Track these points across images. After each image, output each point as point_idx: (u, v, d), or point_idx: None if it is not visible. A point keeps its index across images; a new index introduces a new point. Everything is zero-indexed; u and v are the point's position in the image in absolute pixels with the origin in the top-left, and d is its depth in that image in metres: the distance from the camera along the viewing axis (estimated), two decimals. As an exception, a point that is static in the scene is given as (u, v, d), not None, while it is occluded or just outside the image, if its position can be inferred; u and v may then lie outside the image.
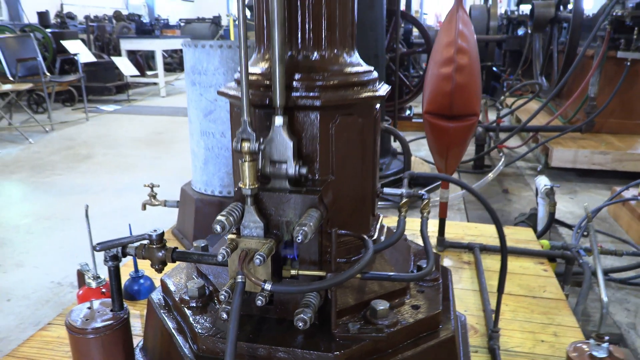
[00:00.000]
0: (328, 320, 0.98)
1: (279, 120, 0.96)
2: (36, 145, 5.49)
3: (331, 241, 0.95)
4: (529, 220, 2.74)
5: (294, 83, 1.01)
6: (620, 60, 4.06)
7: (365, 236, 1.05)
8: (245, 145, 0.93)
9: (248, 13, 3.67)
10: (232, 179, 1.59)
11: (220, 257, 0.93)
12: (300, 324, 0.90)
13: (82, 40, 9.07)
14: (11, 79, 6.48)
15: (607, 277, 2.32)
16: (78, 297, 1.51)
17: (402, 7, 6.32)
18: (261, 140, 0.95)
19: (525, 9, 6.98)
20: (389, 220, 2.08)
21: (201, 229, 2.01)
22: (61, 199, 3.75)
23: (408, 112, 6.39)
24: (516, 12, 7.55)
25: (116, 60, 8.69)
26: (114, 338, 1.09)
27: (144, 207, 2.16)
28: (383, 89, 1.13)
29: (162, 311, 1.16)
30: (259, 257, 0.90)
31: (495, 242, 1.96)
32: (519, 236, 2.19)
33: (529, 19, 5.67)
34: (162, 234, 1.08)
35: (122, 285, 1.19)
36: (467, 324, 1.44)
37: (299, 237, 0.88)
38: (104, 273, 1.27)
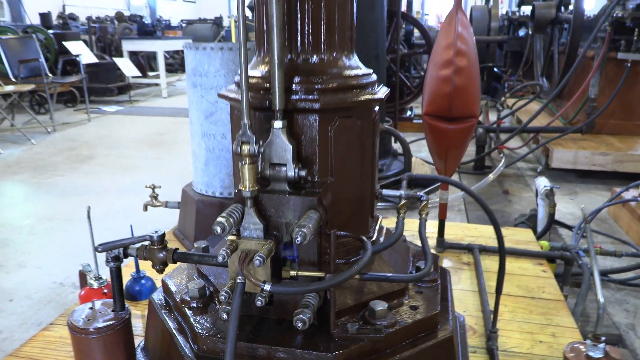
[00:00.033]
0: (327, 321, 0.99)
1: (278, 123, 0.98)
2: (38, 146, 5.52)
3: (330, 242, 0.96)
4: (529, 221, 2.75)
5: (294, 86, 1.02)
6: (620, 61, 4.07)
7: (363, 237, 1.06)
8: (245, 148, 0.94)
9: (249, 13, 3.69)
10: (233, 180, 1.60)
11: (220, 258, 0.94)
12: (299, 325, 0.91)
13: (84, 41, 9.10)
14: (13, 80, 6.51)
15: (606, 278, 2.33)
16: (80, 297, 1.52)
17: (403, 8, 6.33)
18: (261, 143, 0.97)
19: (526, 10, 6.99)
20: (390, 222, 2.09)
21: (202, 230, 2.02)
22: (63, 200, 3.77)
23: (409, 113, 6.39)
24: (517, 13, 7.55)
25: (118, 61, 8.72)
26: (115, 338, 1.10)
27: (145, 208, 2.18)
28: (382, 92, 1.15)
29: (163, 311, 1.17)
30: (258, 258, 0.91)
31: (495, 243, 1.97)
32: (519, 237, 2.19)
33: (530, 20, 5.67)
34: (163, 235, 1.10)
35: (124, 286, 1.20)
36: (465, 324, 1.45)
37: (298, 239, 0.89)
38: (105, 274, 1.28)
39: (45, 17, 9.83)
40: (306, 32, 1.04)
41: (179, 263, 1.15)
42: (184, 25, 14.84)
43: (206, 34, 12.90)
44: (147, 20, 15.04)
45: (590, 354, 1.04)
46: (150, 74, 10.77)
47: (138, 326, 1.50)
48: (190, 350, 1.03)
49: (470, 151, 4.52)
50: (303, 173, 0.99)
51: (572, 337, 1.44)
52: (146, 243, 1.10)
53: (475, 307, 1.62)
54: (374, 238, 1.20)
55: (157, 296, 1.23)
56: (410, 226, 2.20)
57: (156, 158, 5.03)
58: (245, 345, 0.97)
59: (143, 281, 1.68)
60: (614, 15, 3.91)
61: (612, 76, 4.21)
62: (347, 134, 1.06)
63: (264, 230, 1.00)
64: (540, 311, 1.59)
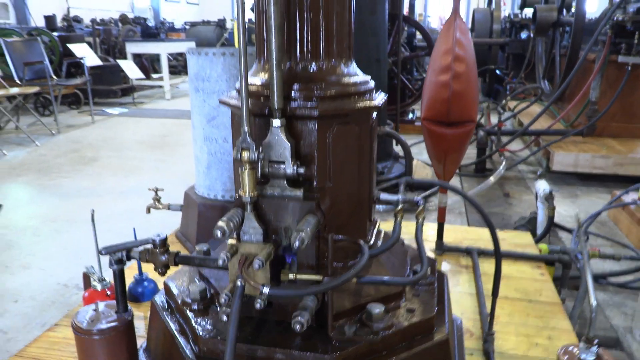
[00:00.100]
0: (325, 323, 1.02)
1: (277, 122, 1.00)
2: (43, 148, 5.56)
3: (328, 246, 0.99)
4: (529, 224, 2.76)
5: (293, 93, 1.04)
6: (621, 64, 4.08)
7: (361, 241, 1.09)
8: (245, 154, 0.97)
9: (252, 15, 3.72)
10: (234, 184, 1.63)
11: (220, 262, 0.96)
12: (298, 327, 0.94)
13: (89, 43, 9.15)
14: (18, 82, 6.56)
15: (605, 281, 2.34)
16: (84, 299, 1.55)
17: (406, 10, 6.36)
18: (260, 149, 0.99)
19: (528, 12, 7.00)
20: (391, 224, 2.11)
21: (204, 233, 2.05)
22: (67, 202, 3.81)
23: (411, 115, 6.41)
24: (519, 16, 7.56)
25: (122, 63, 8.78)
26: (118, 339, 1.13)
27: (148, 211, 2.21)
28: (379, 99, 1.17)
29: (165, 313, 1.19)
30: (258, 261, 0.94)
31: (494, 246, 1.99)
32: (518, 240, 2.21)
33: (532, 22, 5.69)
34: (165, 238, 1.12)
35: (127, 288, 1.22)
36: (462, 327, 1.47)
37: (296, 243, 0.91)
38: (109, 275, 1.31)
39: (50, 19, 9.90)
40: (305, 40, 1.07)
41: (180, 266, 1.17)
42: (187, 27, 14.90)
43: (209, 37, 12.96)
44: (151, 23, 15.11)
45: (583, 356, 1.06)
46: (154, 76, 10.83)
47: (140, 327, 1.53)
48: (191, 352, 1.05)
49: (472, 154, 4.54)
50: (302, 170, 1.01)
51: (568, 339, 1.45)
52: (149, 246, 1.13)
53: (472, 310, 1.64)
54: (371, 242, 1.22)
55: (159, 298, 1.25)
56: (410, 229, 2.22)
57: (159, 160, 5.06)
58: (244, 346, 0.99)
59: (145, 283, 1.71)
60: (615, 18, 3.92)
61: (613, 79, 4.22)
62: (345, 140, 1.09)
63: (263, 234, 1.02)
64: (537, 314, 1.61)
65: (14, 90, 6.01)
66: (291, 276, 1.03)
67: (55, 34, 8.69)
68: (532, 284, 1.80)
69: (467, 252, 2.04)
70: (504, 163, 4.22)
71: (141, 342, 1.30)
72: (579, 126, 4.39)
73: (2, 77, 6.69)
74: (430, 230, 2.29)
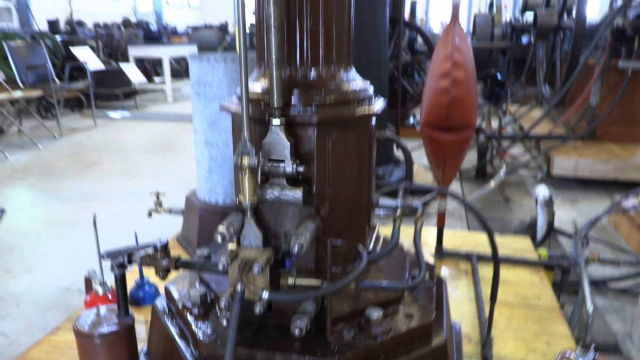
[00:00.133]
0: (324, 327, 1.03)
1: (276, 121, 1.01)
2: (45, 152, 5.59)
3: (327, 251, 1.00)
4: (529, 229, 2.77)
5: (292, 99, 1.06)
6: (621, 69, 4.09)
7: (359, 246, 1.10)
8: (245, 160, 0.98)
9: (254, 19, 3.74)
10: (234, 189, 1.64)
11: (220, 266, 0.97)
12: (296, 331, 0.95)
13: (91, 47, 9.20)
14: (21, 85, 6.60)
15: (605, 286, 2.35)
16: (85, 302, 1.56)
17: (407, 14, 6.38)
18: (260, 154, 1.00)
19: (529, 16, 7.02)
20: (391, 229, 2.12)
21: (205, 237, 2.06)
22: (69, 205, 3.83)
23: (412, 120, 6.42)
24: (520, 21, 7.58)
25: (124, 66, 8.82)
26: (119, 343, 1.14)
27: (149, 215, 2.22)
28: (378, 105, 1.18)
29: (165, 317, 1.20)
30: (257, 266, 0.95)
31: (493, 251, 1.99)
32: (517, 245, 2.22)
33: (533, 27, 5.71)
34: (167, 243, 1.13)
35: (128, 292, 1.24)
36: (461, 332, 1.48)
37: (295, 248, 0.93)
38: (110, 279, 1.32)
39: (53, 23, 9.96)
40: (305, 47, 1.08)
41: (181, 270, 1.18)
42: (189, 31, 14.96)
43: (212, 40, 13.01)
44: (154, 27, 15.17)
45: (580, 361, 1.07)
46: (156, 79, 10.87)
47: (141, 331, 1.54)
48: (192, 356, 1.06)
49: (472, 158, 4.55)
50: (301, 169, 1.02)
51: (566, 345, 1.46)
52: (150, 251, 1.14)
53: (471, 315, 1.65)
54: (370, 247, 1.24)
55: (160, 302, 1.27)
56: (411, 234, 2.23)
57: (161, 164, 5.08)
58: (244, 350, 1.00)
59: (146, 287, 1.72)
60: (615, 24, 3.94)
61: (613, 84, 4.24)
62: (344, 146, 1.10)
63: (263, 239, 1.03)
64: (536, 319, 1.61)
65: (17, 94, 6.04)
66: (290, 281, 1.04)
67: (58, 37, 8.74)
68: (531, 289, 1.81)
69: (467, 257, 2.05)
70: (504, 167, 4.23)
71: (142, 345, 1.31)
72: (580, 130, 4.40)
73: (6, 80, 6.74)
74: (430, 234, 2.30)
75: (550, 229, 2.42)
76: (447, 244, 2.12)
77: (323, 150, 1.07)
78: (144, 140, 6.23)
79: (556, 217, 2.56)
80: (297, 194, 1.03)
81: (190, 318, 1.11)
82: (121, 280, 1.16)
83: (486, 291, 1.76)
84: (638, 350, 1.84)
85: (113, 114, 8.18)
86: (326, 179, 1.08)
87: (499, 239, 2.22)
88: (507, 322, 1.60)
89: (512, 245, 2.22)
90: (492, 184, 3.69)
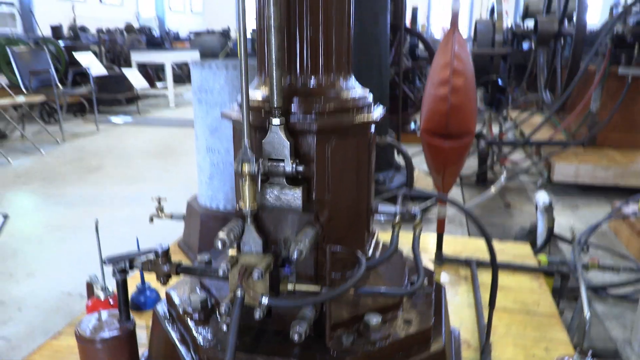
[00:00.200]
0: (323, 333, 1.04)
1: (276, 120, 1.02)
2: (48, 156, 5.61)
3: (326, 257, 1.01)
4: (530, 235, 2.77)
5: (292, 108, 1.07)
6: (621, 75, 4.10)
7: (358, 253, 1.11)
8: (246, 167, 1.00)
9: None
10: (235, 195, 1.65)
11: (221, 272, 0.99)
12: (296, 337, 0.96)
13: (94, 52, 9.26)
14: (24, 90, 6.64)
15: (605, 292, 2.35)
16: (87, 307, 1.57)
17: (408, 20, 6.41)
18: (260, 161, 1.02)
19: (530, 23, 7.05)
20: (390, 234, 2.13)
21: (206, 242, 2.07)
22: (72, 210, 3.84)
23: (413, 125, 6.44)
24: (521, 27, 7.61)
25: (126, 72, 8.87)
26: (120, 348, 1.15)
27: (151, 220, 2.23)
28: (377, 113, 1.20)
29: (166, 322, 1.21)
30: (257, 272, 0.96)
31: (493, 257, 2.00)
32: (517, 251, 2.22)
33: (533, 33, 5.73)
34: (168, 249, 1.15)
35: (129, 297, 1.25)
36: (460, 338, 1.48)
37: (295, 255, 0.94)
38: (112, 284, 1.33)
39: (56, 29, 10.02)
40: (305, 55, 1.10)
41: (182, 275, 1.20)
42: (192, 37, 15.04)
43: (214, 46, 13.08)
44: (156, 32, 15.26)
45: (578, 368, 1.08)
46: (159, 84, 10.92)
47: (142, 336, 1.55)
48: (192, 360, 1.07)
49: (473, 164, 4.56)
50: (300, 168, 1.04)
51: (565, 351, 1.46)
52: (151, 256, 1.15)
53: (471, 321, 1.65)
54: (369, 253, 1.25)
55: (161, 307, 1.28)
56: (410, 240, 2.24)
57: (163, 169, 5.10)
58: (244, 355, 1.01)
59: (148, 292, 1.73)
60: (615, 30, 3.96)
61: (614, 90, 4.25)
62: (343, 153, 1.11)
63: (263, 246, 1.05)
64: (535, 325, 1.62)
65: (20, 99, 6.08)
66: (290, 287, 1.05)
67: (61, 43, 8.80)
68: (530, 296, 1.82)
69: (466, 263, 2.05)
70: (504, 173, 4.24)
71: (143, 350, 1.32)
72: (581, 136, 4.41)
73: (9, 85, 6.77)
74: (430, 240, 2.31)
75: (550, 235, 2.42)
76: (447, 250, 2.13)
77: (322, 158, 1.08)
78: (146, 145, 6.26)
79: (556, 223, 2.57)
80: (296, 193, 1.05)
81: (190, 323, 1.12)
82: (123, 285, 1.17)
83: (486, 297, 1.76)
84: (638, 356, 1.85)
85: (115, 119, 8.22)
86: (325, 186, 1.10)
87: (498, 246, 2.23)
88: (506, 328, 1.61)
89: (512, 251, 2.22)
90: (493, 189, 3.70)
